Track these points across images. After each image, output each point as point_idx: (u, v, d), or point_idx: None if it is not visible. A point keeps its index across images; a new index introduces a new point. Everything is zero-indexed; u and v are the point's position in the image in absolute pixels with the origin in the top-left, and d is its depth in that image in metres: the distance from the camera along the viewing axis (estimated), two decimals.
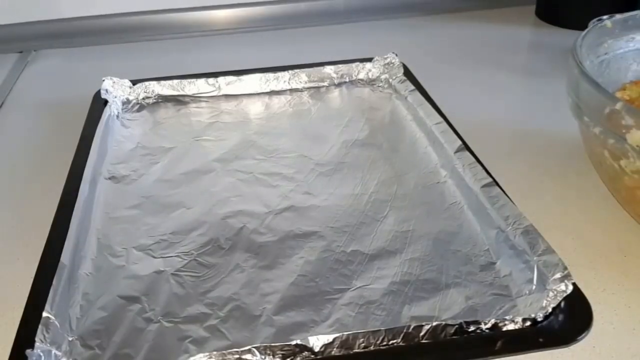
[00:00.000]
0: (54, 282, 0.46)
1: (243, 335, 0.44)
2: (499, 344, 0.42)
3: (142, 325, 0.45)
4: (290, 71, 0.79)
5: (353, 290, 0.47)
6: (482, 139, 0.65)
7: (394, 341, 0.42)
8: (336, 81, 0.79)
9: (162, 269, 0.50)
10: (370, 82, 0.79)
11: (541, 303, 0.43)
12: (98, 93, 0.75)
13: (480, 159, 0.58)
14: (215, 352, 0.41)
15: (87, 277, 0.49)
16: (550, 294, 0.43)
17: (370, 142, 0.67)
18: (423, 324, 0.42)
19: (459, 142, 0.61)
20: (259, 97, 0.78)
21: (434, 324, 0.42)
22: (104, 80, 0.75)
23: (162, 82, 0.78)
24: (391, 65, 0.79)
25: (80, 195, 0.56)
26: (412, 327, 0.42)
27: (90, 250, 0.52)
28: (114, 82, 0.76)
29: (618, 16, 0.83)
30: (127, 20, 1.01)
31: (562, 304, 0.43)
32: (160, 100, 0.77)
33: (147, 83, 0.78)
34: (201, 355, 0.41)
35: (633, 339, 0.44)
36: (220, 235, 0.53)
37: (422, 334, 0.42)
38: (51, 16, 0.99)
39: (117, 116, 0.73)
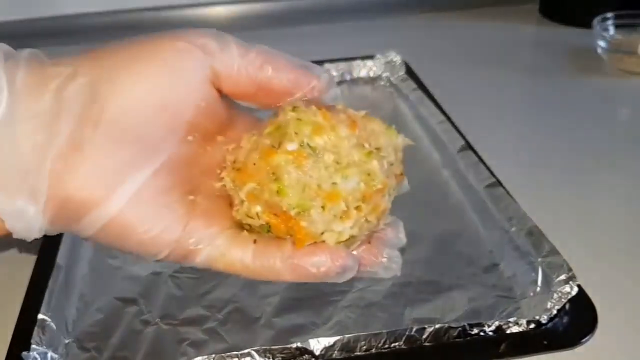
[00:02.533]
0: (50, 283, 0.45)
1: (242, 338, 0.43)
2: (502, 346, 0.41)
3: (139, 327, 0.44)
4: None
5: (354, 292, 0.47)
6: (485, 138, 0.64)
7: (396, 344, 0.42)
8: (337, 79, 0.79)
9: (159, 270, 0.49)
10: (372, 81, 0.79)
11: (545, 305, 0.42)
12: None
13: (484, 159, 0.58)
14: (214, 355, 0.41)
15: (83, 279, 0.49)
16: (555, 295, 0.42)
17: None
18: (425, 326, 0.42)
19: (462, 142, 0.60)
20: None
21: (437, 326, 0.42)
22: None
23: None
24: (393, 63, 0.78)
25: None
26: (414, 329, 0.42)
27: (87, 251, 0.51)
28: None
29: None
30: (127, 17, 1.01)
31: (567, 306, 0.43)
32: None
33: None
34: (199, 358, 0.41)
35: (638, 342, 0.43)
36: None
37: (424, 336, 0.42)
38: (50, 13, 0.98)
39: None
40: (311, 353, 0.41)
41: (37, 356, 0.40)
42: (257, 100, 0.30)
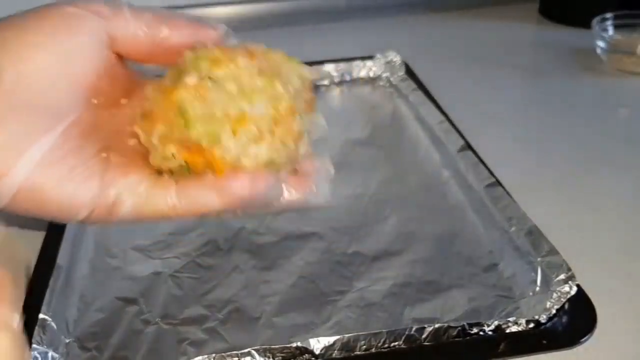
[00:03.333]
0: (51, 283, 0.45)
1: (242, 338, 0.43)
2: (502, 346, 0.41)
3: (139, 327, 0.44)
4: None
5: (354, 292, 0.47)
6: (485, 138, 0.64)
7: (396, 343, 0.42)
8: (336, 80, 0.79)
9: (160, 270, 0.49)
10: (372, 81, 0.79)
11: (545, 305, 0.42)
12: None
13: (483, 159, 0.58)
14: (214, 355, 0.41)
15: (84, 279, 0.49)
16: (554, 295, 0.42)
17: (371, 141, 0.66)
18: (425, 325, 0.42)
19: (462, 142, 0.60)
20: None
21: (436, 325, 0.42)
22: None
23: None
24: (392, 63, 0.78)
25: None
26: (413, 329, 0.42)
27: (87, 251, 0.51)
28: None
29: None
30: None
31: (566, 306, 0.43)
32: None
33: None
34: (200, 357, 0.41)
35: (637, 342, 0.43)
36: (219, 236, 0.53)
37: (424, 336, 0.42)
38: None
39: None
40: (311, 352, 0.41)
41: (38, 356, 0.40)
42: (158, 59, 0.31)
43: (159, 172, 0.29)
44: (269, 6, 1.03)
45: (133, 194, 0.29)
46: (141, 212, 0.29)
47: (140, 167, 0.30)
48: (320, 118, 0.33)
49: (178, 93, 0.28)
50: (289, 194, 0.31)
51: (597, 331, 0.42)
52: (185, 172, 0.29)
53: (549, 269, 0.44)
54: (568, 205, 0.57)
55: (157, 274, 0.49)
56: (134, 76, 0.32)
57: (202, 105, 0.28)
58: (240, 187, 0.28)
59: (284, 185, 0.31)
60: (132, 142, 0.30)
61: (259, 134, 0.28)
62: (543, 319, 0.42)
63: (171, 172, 0.29)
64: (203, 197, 0.28)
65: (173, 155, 0.28)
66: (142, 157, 0.30)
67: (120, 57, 0.31)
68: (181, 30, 0.30)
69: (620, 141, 0.67)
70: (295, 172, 0.31)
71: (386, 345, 0.42)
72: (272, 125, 0.28)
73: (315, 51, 0.86)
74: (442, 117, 0.65)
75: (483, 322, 0.42)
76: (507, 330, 0.42)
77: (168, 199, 0.29)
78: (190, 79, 0.28)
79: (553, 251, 0.45)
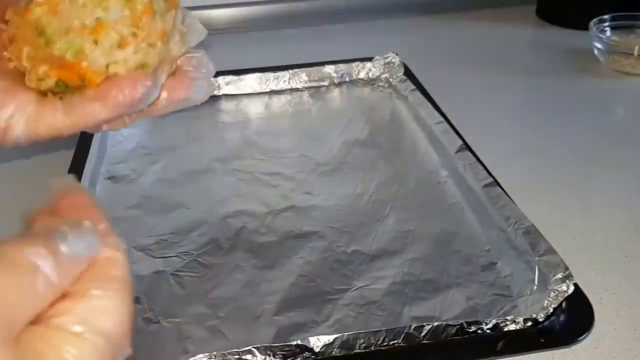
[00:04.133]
0: None
1: (243, 336, 0.44)
2: (500, 344, 0.41)
3: (141, 325, 0.45)
4: (290, 71, 0.78)
5: (353, 290, 0.47)
6: (483, 138, 0.64)
7: (395, 341, 0.42)
8: (336, 81, 0.79)
9: (161, 269, 0.50)
10: (371, 82, 0.79)
11: (542, 303, 0.43)
12: None
13: (481, 159, 0.58)
14: (215, 353, 0.41)
15: None
16: (552, 294, 0.43)
17: (370, 141, 0.67)
18: (424, 324, 0.42)
19: (460, 142, 0.60)
20: (259, 97, 0.77)
21: (435, 324, 0.42)
22: None
23: None
24: (391, 64, 0.79)
25: None
26: (412, 327, 0.42)
27: None
28: None
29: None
30: None
31: (564, 305, 0.43)
32: None
33: None
34: (201, 355, 0.41)
35: (634, 340, 0.44)
36: (220, 235, 0.53)
37: (422, 334, 0.42)
38: None
39: None
40: (311, 350, 0.41)
41: None
42: None
43: (44, 93, 0.30)
44: (269, 9, 1.03)
45: (24, 114, 0.29)
46: (34, 131, 0.30)
47: (26, 89, 0.30)
48: (197, 22, 0.33)
49: (32, 12, 0.29)
50: (169, 96, 0.32)
51: (595, 330, 0.42)
52: (63, 89, 0.29)
53: (547, 268, 0.44)
54: (565, 205, 0.57)
55: (159, 273, 0.49)
56: (7, 1, 0.32)
57: (57, 20, 0.28)
58: (120, 93, 0.29)
59: (165, 90, 0.31)
60: (11, 65, 0.31)
61: (121, 39, 0.29)
62: (541, 317, 0.43)
63: (53, 93, 0.30)
64: (89, 109, 0.29)
65: (45, 74, 0.29)
66: (24, 80, 0.31)
67: None
68: None
69: (617, 141, 0.67)
70: (173, 73, 0.32)
71: (385, 344, 0.42)
72: (131, 27, 0.29)
73: (315, 53, 0.86)
74: (440, 118, 0.65)
75: (481, 320, 0.43)
76: (505, 329, 0.43)
77: (57, 116, 0.29)
78: None
79: (550, 250, 0.46)
